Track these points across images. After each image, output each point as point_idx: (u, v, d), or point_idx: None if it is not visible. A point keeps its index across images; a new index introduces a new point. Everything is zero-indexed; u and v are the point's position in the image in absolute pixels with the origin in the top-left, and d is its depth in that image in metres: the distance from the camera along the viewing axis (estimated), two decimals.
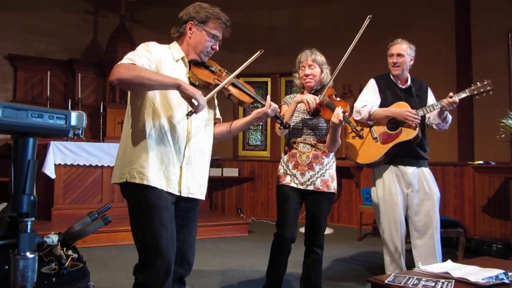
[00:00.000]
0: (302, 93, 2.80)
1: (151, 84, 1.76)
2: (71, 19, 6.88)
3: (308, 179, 2.64)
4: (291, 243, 2.66)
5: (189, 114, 1.82)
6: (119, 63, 1.77)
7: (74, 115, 1.05)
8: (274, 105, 2.15)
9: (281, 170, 2.74)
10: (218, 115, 2.19)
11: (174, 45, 2.03)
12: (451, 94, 2.87)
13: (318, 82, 2.74)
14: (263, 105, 2.14)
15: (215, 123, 2.17)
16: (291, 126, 2.64)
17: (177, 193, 1.91)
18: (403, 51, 3.02)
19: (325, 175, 2.66)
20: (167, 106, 1.88)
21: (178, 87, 1.76)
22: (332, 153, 2.75)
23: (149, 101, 1.86)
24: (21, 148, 1.01)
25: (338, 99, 2.68)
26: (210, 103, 2.07)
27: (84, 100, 6.48)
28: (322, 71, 2.72)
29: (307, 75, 2.69)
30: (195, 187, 1.98)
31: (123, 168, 1.87)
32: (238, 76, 2.08)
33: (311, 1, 6.92)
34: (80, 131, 1.06)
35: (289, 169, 2.68)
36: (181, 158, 1.91)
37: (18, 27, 6.46)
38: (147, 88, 1.81)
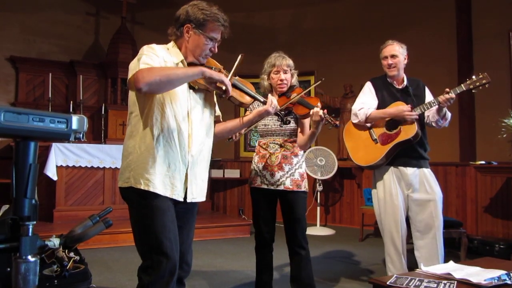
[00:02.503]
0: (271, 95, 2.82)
1: (179, 79, 1.76)
2: (72, 20, 6.89)
3: (278, 179, 2.66)
4: (271, 242, 2.75)
5: (219, 96, 1.87)
6: (137, 70, 1.72)
7: (75, 119, 1.06)
8: (275, 102, 2.19)
9: (252, 171, 2.78)
10: (218, 112, 2.18)
11: (173, 47, 1.98)
12: (447, 89, 2.87)
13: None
14: (262, 103, 2.17)
15: (215, 121, 2.16)
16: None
17: (181, 199, 1.90)
18: (396, 52, 3.03)
19: (295, 175, 2.68)
20: (175, 111, 1.86)
21: (203, 73, 1.79)
22: (302, 153, 2.77)
23: (157, 105, 1.83)
24: (22, 152, 1.01)
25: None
26: (209, 103, 2.06)
27: (85, 102, 6.49)
28: (292, 75, 2.77)
29: (282, 80, 2.71)
30: (198, 191, 1.98)
31: (127, 173, 1.85)
32: (238, 76, 2.06)
33: (313, 1, 6.91)
34: (81, 135, 1.07)
35: (260, 170, 2.72)
36: (186, 164, 1.90)
37: (19, 28, 6.47)
38: (175, 84, 1.79)
